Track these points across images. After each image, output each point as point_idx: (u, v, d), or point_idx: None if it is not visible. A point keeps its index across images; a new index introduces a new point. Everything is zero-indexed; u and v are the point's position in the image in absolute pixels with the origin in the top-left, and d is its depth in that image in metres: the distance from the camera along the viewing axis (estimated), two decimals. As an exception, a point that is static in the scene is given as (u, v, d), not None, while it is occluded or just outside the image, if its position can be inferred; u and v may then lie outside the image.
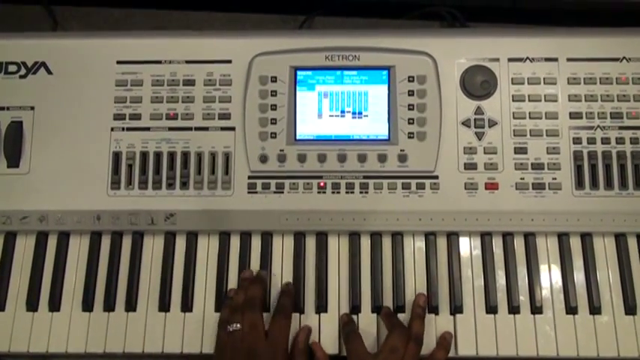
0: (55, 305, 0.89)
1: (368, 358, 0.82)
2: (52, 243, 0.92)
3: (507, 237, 0.90)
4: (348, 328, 0.86)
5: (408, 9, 1.10)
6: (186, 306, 0.88)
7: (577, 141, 0.90)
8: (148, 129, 0.92)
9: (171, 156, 0.91)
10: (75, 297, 0.89)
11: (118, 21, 1.12)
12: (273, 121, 0.91)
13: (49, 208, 0.90)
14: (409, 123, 0.90)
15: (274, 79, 0.91)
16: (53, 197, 0.90)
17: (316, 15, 1.11)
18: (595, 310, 0.87)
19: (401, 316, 0.87)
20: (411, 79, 0.91)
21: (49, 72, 0.93)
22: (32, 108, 0.93)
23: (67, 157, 0.91)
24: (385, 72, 0.91)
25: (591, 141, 0.90)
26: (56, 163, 0.91)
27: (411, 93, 0.90)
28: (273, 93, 0.91)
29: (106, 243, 0.92)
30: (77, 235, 0.92)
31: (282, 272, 0.90)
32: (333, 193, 0.90)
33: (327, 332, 0.87)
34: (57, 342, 0.87)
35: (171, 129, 0.92)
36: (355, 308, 0.88)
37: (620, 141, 0.90)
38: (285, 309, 0.86)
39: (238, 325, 0.83)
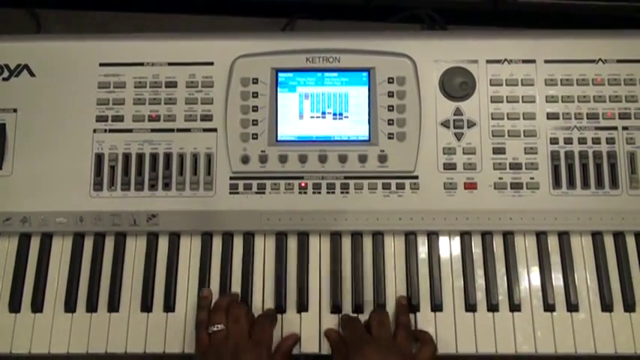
0: (37, 306, 0.89)
1: (366, 334, 0.84)
2: (34, 244, 0.92)
3: (486, 236, 0.91)
4: (345, 316, 0.88)
5: (389, 12, 1.11)
6: (169, 306, 0.89)
7: (554, 141, 0.91)
8: (130, 131, 0.92)
9: (154, 157, 0.92)
10: (58, 298, 0.90)
11: (101, 24, 1.13)
12: (255, 123, 0.91)
13: (32, 209, 0.90)
14: (389, 124, 0.91)
15: (255, 81, 0.92)
16: (36, 199, 0.91)
17: (298, 18, 1.12)
18: (572, 307, 0.88)
19: (382, 314, 0.88)
20: (390, 80, 0.92)
21: (32, 74, 0.94)
22: (15, 110, 0.93)
23: (50, 159, 0.92)
24: (365, 73, 0.92)
25: (568, 141, 0.91)
26: (39, 165, 0.92)
27: (390, 94, 0.92)
28: (255, 94, 0.92)
29: (88, 244, 0.92)
30: (60, 236, 0.92)
31: (263, 272, 0.91)
32: (314, 193, 0.91)
33: (307, 331, 0.88)
34: (40, 343, 0.88)
35: (153, 130, 0.92)
36: (336, 307, 0.89)
37: (596, 141, 0.91)
38: (270, 312, 0.88)
39: (221, 326, 0.84)
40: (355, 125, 0.92)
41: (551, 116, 0.92)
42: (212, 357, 0.82)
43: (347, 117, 0.92)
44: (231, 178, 0.91)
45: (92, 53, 0.94)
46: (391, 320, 0.87)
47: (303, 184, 0.91)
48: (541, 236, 0.91)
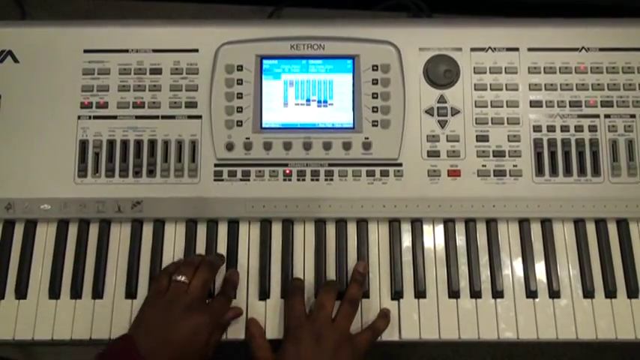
0: (21, 293, 0.89)
1: (303, 317, 0.84)
2: (18, 231, 0.92)
3: (470, 223, 0.92)
4: (295, 284, 0.88)
5: (376, 0, 1.11)
6: (153, 293, 0.89)
7: (537, 129, 0.92)
8: (115, 117, 0.92)
9: (138, 144, 0.92)
10: (42, 284, 0.90)
11: (87, 11, 1.12)
12: (239, 110, 0.92)
13: (16, 196, 0.90)
14: (373, 111, 0.91)
15: (240, 68, 0.92)
16: (20, 185, 0.91)
17: (285, 6, 1.12)
18: (554, 294, 0.89)
19: (365, 301, 0.89)
20: (375, 68, 0.92)
21: (16, 60, 0.93)
22: (-1, 96, 0.93)
23: (34, 146, 0.92)
24: (350, 61, 0.93)
25: (551, 129, 0.92)
26: (23, 152, 0.91)
27: (375, 82, 0.92)
28: (239, 81, 0.92)
29: (73, 231, 0.92)
30: (44, 223, 0.92)
31: (248, 259, 0.91)
32: (298, 180, 0.91)
33: (292, 317, 0.88)
34: (24, 329, 0.88)
35: (138, 117, 0.92)
36: (320, 294, 0.89)
37: (578, 129, 0.92)
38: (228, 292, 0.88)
39: (185, 278, 0.83)
40: (339, 112, 0.92)
41: (535, 104, 0.92)
42: (164, 302, 0.82)
43: (331, 104, 0.92)
44: (215, 165, 0.91)
45: (76, 40, 0.94)
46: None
47: (287, 172, 0.91)
48: (524, 223, 0.92)
